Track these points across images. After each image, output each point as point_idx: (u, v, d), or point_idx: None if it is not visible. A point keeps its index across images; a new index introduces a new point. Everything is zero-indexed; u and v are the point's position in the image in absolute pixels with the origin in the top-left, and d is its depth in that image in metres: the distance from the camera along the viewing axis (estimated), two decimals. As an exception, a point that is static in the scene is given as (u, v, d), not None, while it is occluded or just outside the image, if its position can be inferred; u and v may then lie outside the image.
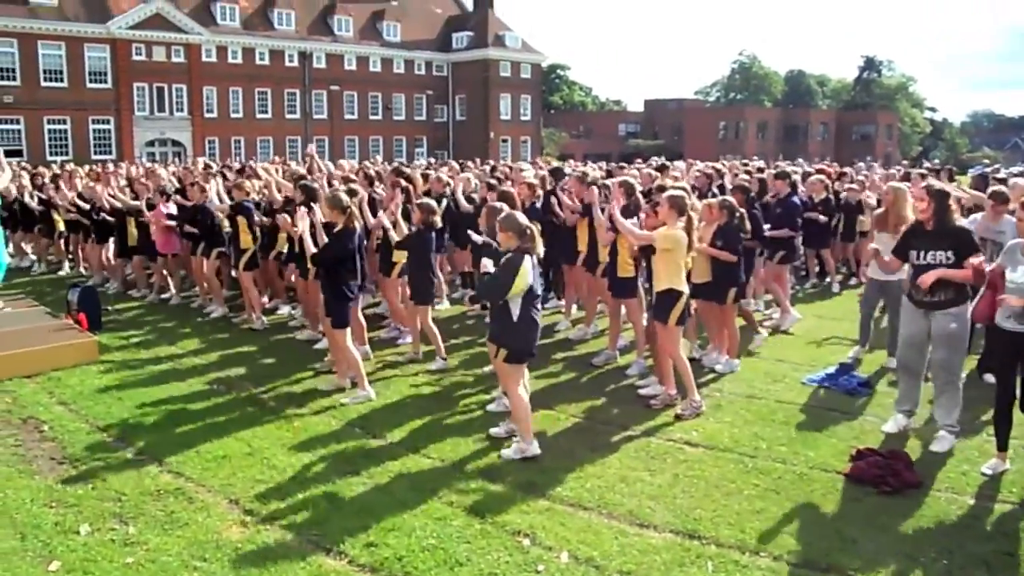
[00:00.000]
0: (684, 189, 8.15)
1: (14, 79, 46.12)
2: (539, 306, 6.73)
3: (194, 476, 6.26)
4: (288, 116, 57.58)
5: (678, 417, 7.49)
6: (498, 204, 7.83)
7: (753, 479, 6.23)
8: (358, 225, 7.96)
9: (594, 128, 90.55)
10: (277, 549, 5.16)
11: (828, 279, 14.38)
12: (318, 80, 58.19)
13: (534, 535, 5.34)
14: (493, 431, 7.10)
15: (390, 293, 10.01)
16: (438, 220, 9.14)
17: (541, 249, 6.67)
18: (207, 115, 53.37)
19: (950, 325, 6.64)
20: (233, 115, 54.77)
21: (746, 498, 5.89)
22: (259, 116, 56.15)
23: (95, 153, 45.50)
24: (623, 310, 9.28)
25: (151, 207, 12.39)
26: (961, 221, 7.32)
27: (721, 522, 5.52)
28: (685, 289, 7.54)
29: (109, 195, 13.05)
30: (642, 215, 8.26)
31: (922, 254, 6.69)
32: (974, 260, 6.39)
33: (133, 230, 12.85)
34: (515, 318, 6.44)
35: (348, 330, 8.05)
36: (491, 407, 7.62)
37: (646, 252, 7.95)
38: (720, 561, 5.02)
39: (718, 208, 8.60)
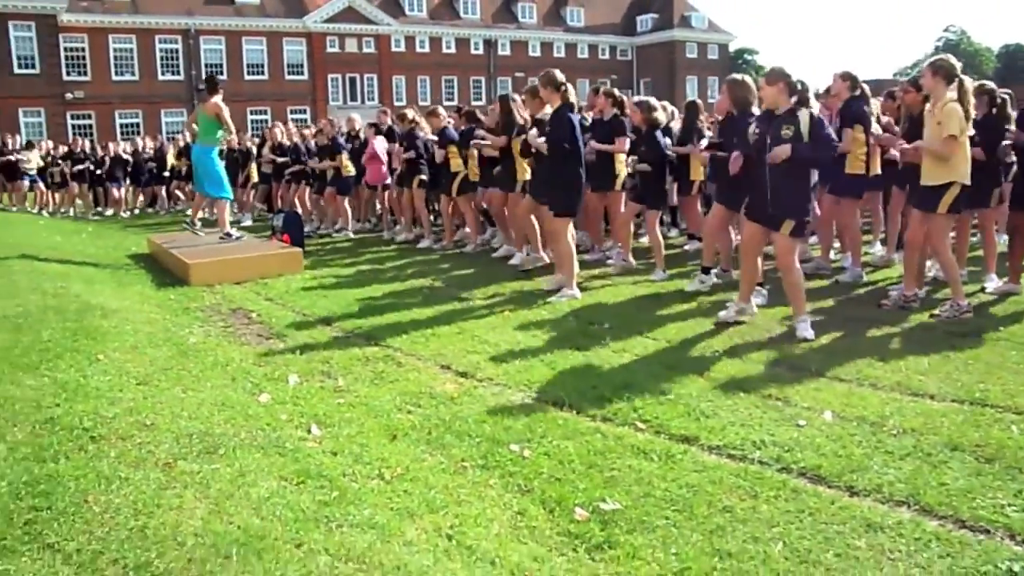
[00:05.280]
0: None
1: (221, 74, 48.70)
2: None
3: (403, 348, 5.87)
4: (474, 103, 58.21)
5: (933, 316, 6.48)
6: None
7: (1044, 361, 5.22)
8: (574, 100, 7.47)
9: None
10: (496, 400, 4.66)
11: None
12: (503, 67, 58.51)
13: (787, 399, 4.61)
14: (722, 314, 6.40)
15: (615, 206, 9.41)
16: (662, 117, 8.53)
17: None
18: (396, 103, 54.65)
19: None
20: (421, 102, 55.80)
21: (1041, 375, 4.92)
22: (446, 103, 57.06)
23: (294, 141, 47.51)
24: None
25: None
26: None
27: (1017, 394, 4.59)
28: (965, 180, 6.36)
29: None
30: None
31: None
32: None
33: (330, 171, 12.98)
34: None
35: (570, 223, 7.53)
36: (723, 314, 6.52)
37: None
38: (1028, 424, 4.11)
39: None
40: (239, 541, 2.58)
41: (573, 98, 7.41)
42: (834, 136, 5.95)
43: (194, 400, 4.14)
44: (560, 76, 7.43)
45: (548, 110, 7.82)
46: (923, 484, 3.47)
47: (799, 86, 5.81)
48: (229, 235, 10.28)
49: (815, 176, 6.00)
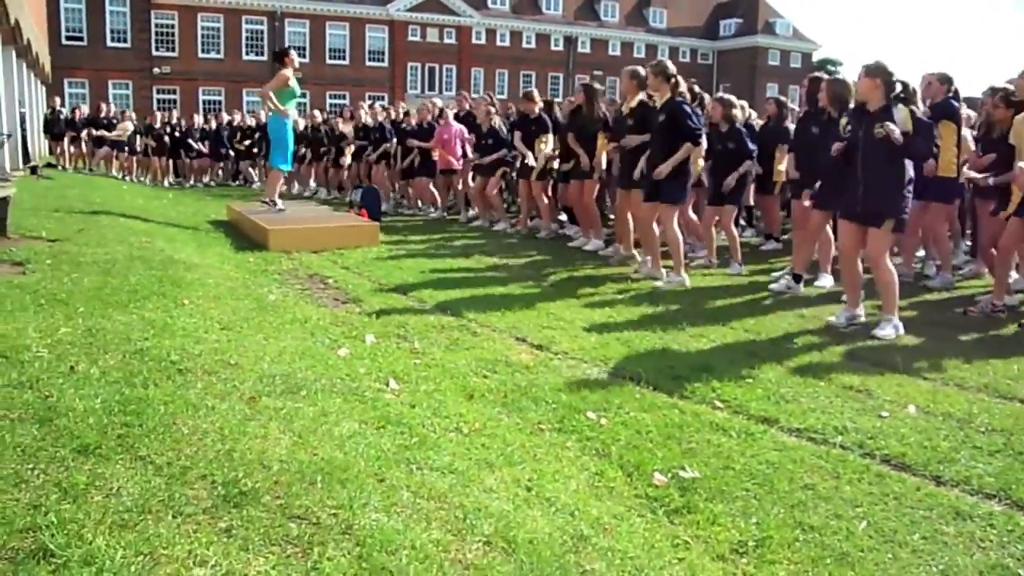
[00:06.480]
0: None
1: (304, 57, 49.39)
2: None
3: (478, 319, 5.87)
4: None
5: (1021, 325, 6.26)
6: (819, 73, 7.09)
7: None
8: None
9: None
10: (572, 372, 4.64)
11: None
12: (582, 64, 58.20)
13: (869, 391, 4.49)
14: (832, 319, 6.21)
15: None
16: (739, 113, 8.41)
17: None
18: (474, 95, 54.80)
19: None
20: (498, 96, 55.94)
21: None
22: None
23: (369, 127, 48.06)
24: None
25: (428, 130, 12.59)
26: None
27: None
28: None
29: None
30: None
31: None
32: None
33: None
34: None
35: (677, 210, 7.51)
36: (832, 320, 6.19)
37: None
38: None
39: None
40: (323, 470, 2.60)
41: (684, 89, 7.39)
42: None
43: (275, 347, 4.20)
44: (672, 67, 7.35)
45: (641, 97, 7.79)
46: (1015, 480, 3.35)
47: (899, 86, 5.64)
48: (275, 203, 10.22)
49: (911, 171, 5.79)
